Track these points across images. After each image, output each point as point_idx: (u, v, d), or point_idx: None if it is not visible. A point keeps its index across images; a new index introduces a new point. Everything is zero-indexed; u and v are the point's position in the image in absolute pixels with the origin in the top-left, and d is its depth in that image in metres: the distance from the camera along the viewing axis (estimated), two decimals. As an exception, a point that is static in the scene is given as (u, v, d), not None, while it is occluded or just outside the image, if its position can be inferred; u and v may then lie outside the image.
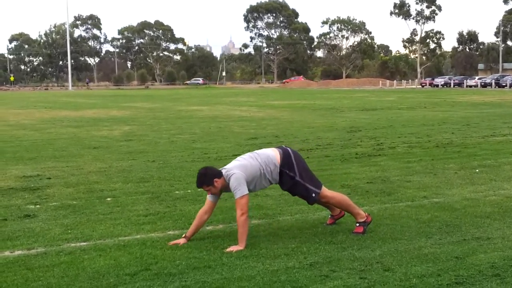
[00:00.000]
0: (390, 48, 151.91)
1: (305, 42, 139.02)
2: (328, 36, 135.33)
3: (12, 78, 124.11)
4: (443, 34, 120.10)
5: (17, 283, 4.59)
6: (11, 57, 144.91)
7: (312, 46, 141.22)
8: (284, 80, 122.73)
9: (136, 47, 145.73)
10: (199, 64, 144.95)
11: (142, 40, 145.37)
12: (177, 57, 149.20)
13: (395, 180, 8.86)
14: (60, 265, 5.02)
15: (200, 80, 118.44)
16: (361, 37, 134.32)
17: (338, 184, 8.59)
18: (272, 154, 5.87)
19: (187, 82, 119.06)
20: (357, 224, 5.95)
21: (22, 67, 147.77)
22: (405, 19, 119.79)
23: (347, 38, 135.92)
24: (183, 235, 5.71)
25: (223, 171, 5.67)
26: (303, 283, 4.51)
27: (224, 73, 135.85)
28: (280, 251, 5.34)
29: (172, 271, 4.81)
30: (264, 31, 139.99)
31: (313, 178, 6.01)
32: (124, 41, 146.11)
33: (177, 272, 4.79)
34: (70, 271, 4.86)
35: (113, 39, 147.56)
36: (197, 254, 5.26)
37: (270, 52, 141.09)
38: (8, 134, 17.61)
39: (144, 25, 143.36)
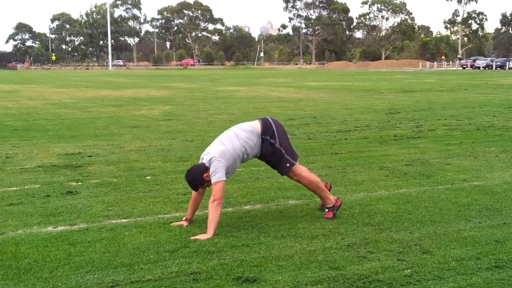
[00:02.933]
0: (430, 29, 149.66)
1: (344, 22, 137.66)
2: (367, 17, 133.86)
3: (53, 58, 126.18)
4: (485, 15, 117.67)
5: (60, 257, 4.70)
6: (53, 36, 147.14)
7: (351, 27, 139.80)
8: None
9: (175, 28, 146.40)
10: (237, 45, 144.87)
11: (181, 21, 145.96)
12: (216, 37, 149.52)
13: (434, 163, 8.77)
14: (102, 241, 5.12)
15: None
16: (401, 17, 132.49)
17: (376, 166, 8.55)
18: (252, 125, 5.71)
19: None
20: (327, 210, 5.83)
21: (64, 46, 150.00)
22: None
23: (387, 19, 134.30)
24: (184, 218, 5.68)
25: (205, 159, 5.54)
26: (341, 263, 4.51)
27: (262, 54, 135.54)
28: (318, 232, 5.35)
29: (210, 249, 4.87)
30: (302, 12, 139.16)
31: (291, 149, 5.85)
32: (163, 21, 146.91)
33: (215, 250, 4.85)
34: (112, 247, 4.96)
35: (153, 19, 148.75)
36: (235, 232, 5.31)
37: (309, 33, 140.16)
38: (50, 112, 17.94)
39: (183, 5, 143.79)
